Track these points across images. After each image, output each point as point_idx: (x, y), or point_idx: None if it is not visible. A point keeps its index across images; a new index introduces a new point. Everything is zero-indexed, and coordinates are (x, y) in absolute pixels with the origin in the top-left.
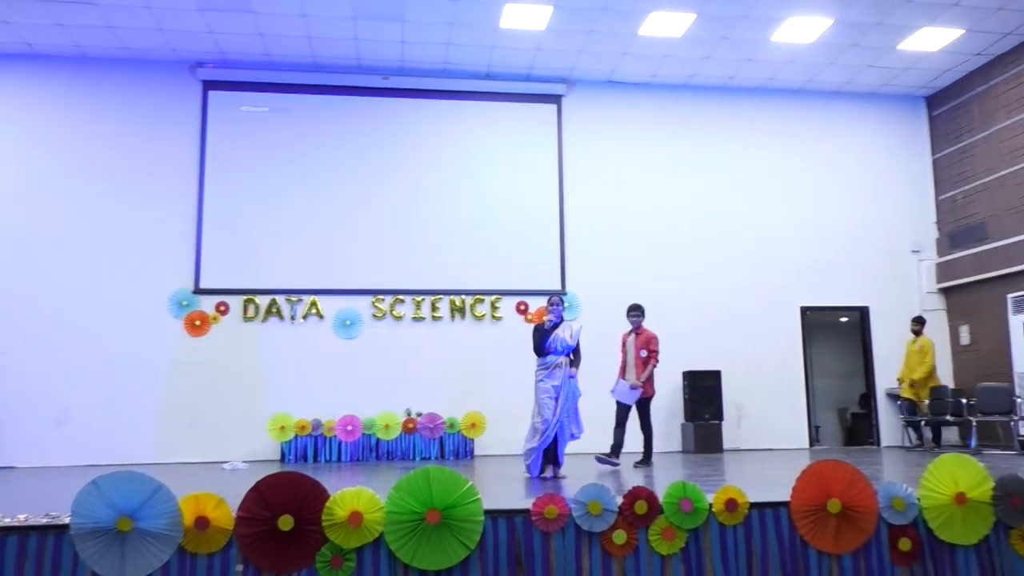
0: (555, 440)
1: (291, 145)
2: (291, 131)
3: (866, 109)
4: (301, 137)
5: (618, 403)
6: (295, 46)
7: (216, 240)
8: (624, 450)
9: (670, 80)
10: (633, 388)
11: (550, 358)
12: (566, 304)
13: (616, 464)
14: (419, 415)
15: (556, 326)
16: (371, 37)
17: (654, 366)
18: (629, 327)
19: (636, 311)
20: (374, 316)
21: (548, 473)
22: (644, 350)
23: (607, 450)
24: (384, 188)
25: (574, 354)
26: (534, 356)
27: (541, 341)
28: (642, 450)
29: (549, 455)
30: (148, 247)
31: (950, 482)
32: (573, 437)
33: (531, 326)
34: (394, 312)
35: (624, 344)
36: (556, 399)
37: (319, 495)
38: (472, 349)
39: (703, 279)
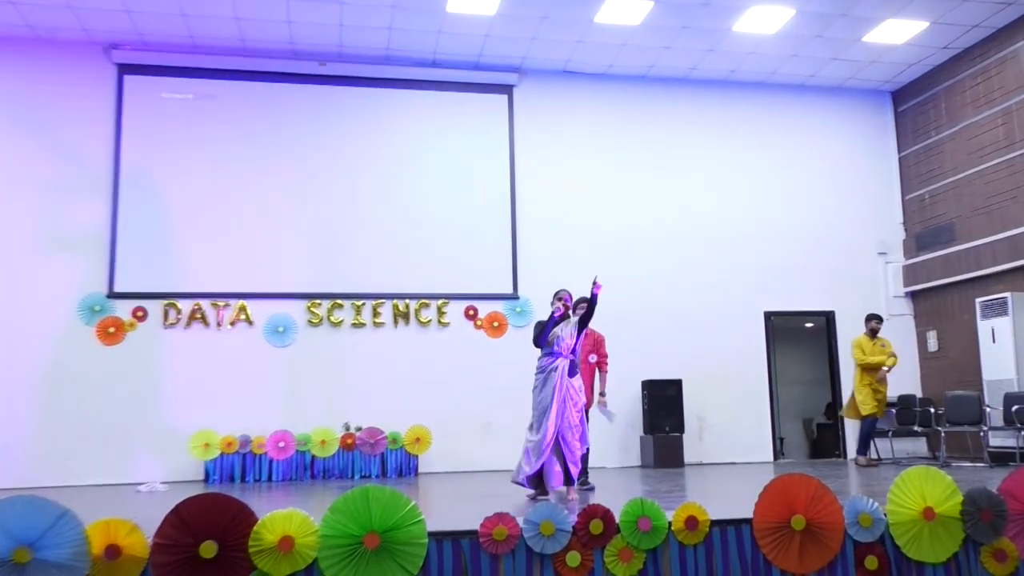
0: (562, 456)
1: (217, 136)
2: (217, 121)
3: (831, 104)
4: (228, 127)
5: None
6: (222, 27)
7: (133, 239)
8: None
9: (628, 71)
10: (604, 407)
11: (547, 361)
12: (564, 305)
13: (590, 488)
14: (358, 430)
15: (558, 321)
16: (306, 19)
17: (606, 372)
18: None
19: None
20: (310, 322)
21: (572, 495)
22: (594, 354)
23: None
24: (321, 183)
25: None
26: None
27: (540, 335)
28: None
29: (544, 477)
30: (57, 246)
31: (918, 496)
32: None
33: (480, 333)
34: (332, 318)
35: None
36: (551, 408)
37: (246, 519)
38: (417, 358)
39: (663, 282)
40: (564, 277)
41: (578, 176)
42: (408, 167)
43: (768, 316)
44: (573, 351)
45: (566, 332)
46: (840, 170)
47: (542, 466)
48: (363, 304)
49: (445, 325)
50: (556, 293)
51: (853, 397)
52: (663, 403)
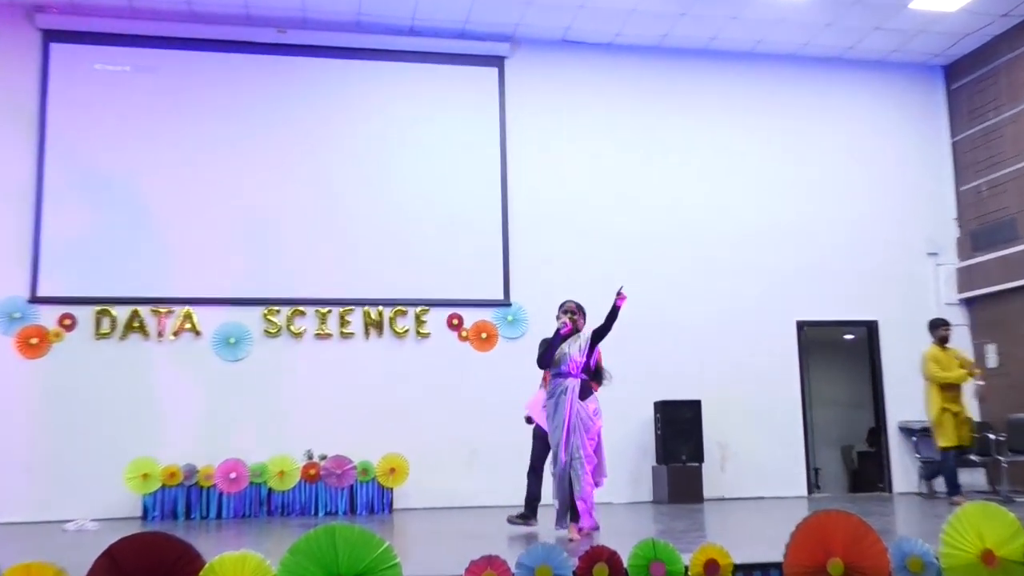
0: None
1: (159, 115)
2: (159, 96)
3: (872, 80)
4: (172, 105)
5: (536, 432)
6: None
7: (60, 235)
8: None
9: (638, 41)
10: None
11: (555, 383)
12: (570, 317)
13: (532, 524)
14: (323, 458)
15: (565, 337)
16: None
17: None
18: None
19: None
20: (266, 332)
21: (573, 534)
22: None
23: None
24: (280, 170)
25: (594, 372)
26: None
27: (544, 354)
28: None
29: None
30: None
31: (975, 537)
32: (595, 485)
33: (465, 345)
34: (292, 327)
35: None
36: (565, 435)
37: (191, 562)
38: (392, 374)
39: (678, 287)
40: (563, 281)
41: (580, 164)
42: (382, 152)
43: (801, 327)
44: (584, 369)
45: (575, 349)
46: (884, 157)
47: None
48: (329, 311)
49: (425, 336)
50: (562, 306)
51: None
52: (679, 428)
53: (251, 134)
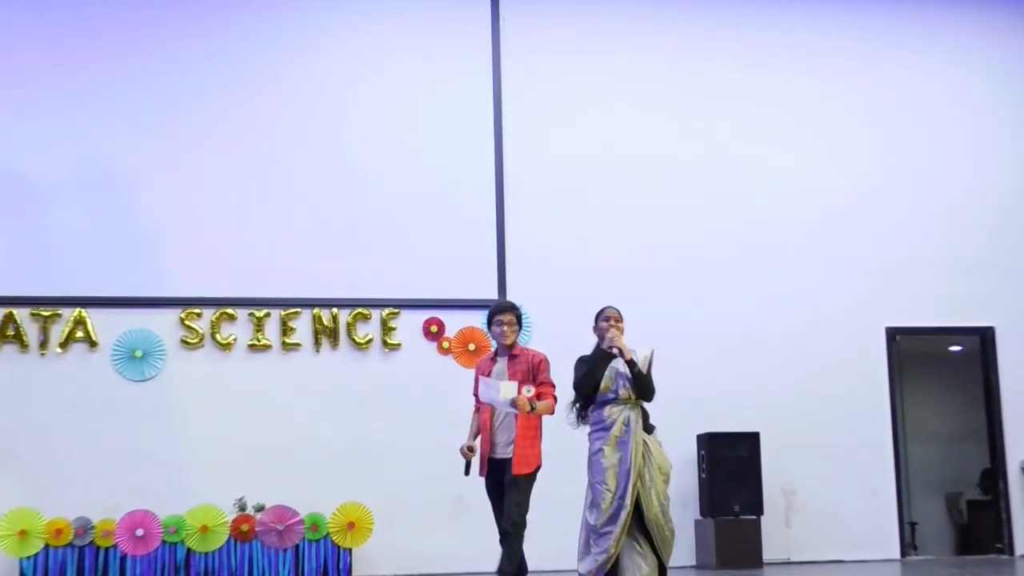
0: (649, 541)
1: (46, 59)
2: (48, 37)
3: (982, 14)
4: (64, 47)
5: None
6: None
7: None
8: None
9: None
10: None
11: (607, 411)
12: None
13: None
14: (260, 510)
15: (608, 356)
16: None
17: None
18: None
19: (506, 314)
20: (184, 342)
21: None
22: (529, 387)
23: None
24: (203, 129)
25: (637, 390)
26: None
27: (584, 377)
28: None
29: None
30: None
31: None
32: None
33: (447, 359)
34: (218, 335)
35: (478, 382)
36: (624, 484)
37: None
38: (350, 398)
39: (729, 286)
40: (576, 274)
41: (596, 121)
42: (339, 107)
43: (892, 336)
44: (638, 394)
45: (623, 366)
46: (998, 113)
47: (616, 560)
48: (267, 314)
49: (394, 347)
50: (600, 313)
51: None
52: (731, 469)
53: (164, 86)
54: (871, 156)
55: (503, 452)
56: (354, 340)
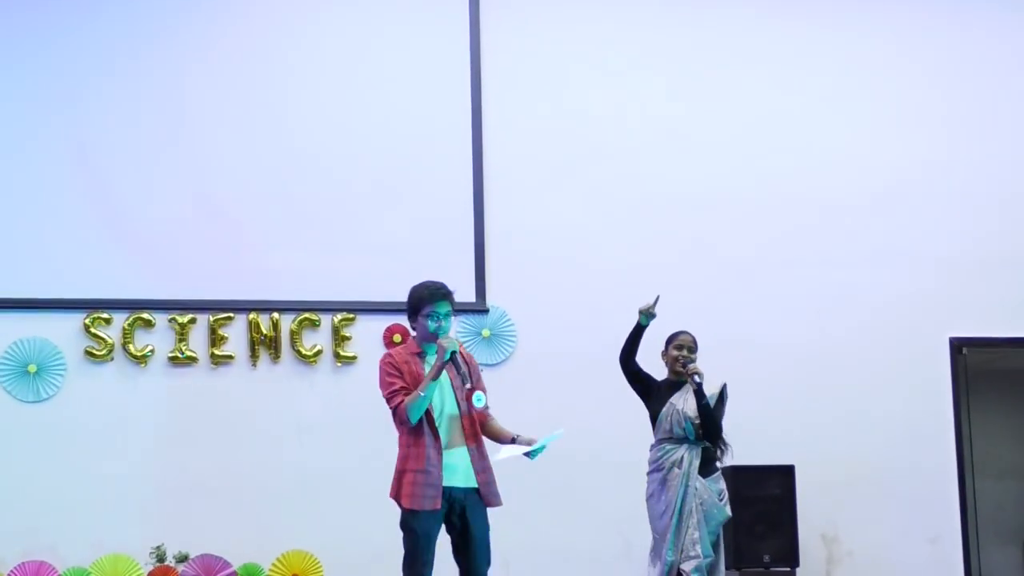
0: None
1: None
2: None
3: None
4: None
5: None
6: None
7: None
8: None
9: None
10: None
11: (667, 448)
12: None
13: None
14: (183, 560)
15: (678, 385)
16: None
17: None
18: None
19: (447, 303)
20: (89, 354)
21: None
22: (479, 393)
23: None
24: (118, 102)
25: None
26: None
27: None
28: None
29: None
30: None
31: None
32: None
33: None
34: (132, 347)
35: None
36: (673, 530)
37: None
38: (295, 422)
39: (749, 284)
40: (571, 275)
41: (591, 94)
42: (282, 76)
43: (956, 348)
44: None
45: (688, 404)
46: None
47: None
48: (191, 320)
49: (349, 361)
50: (673, 339)
51: None
52: (760, 511)
53: (70, 52)
54: (936, 125)
55: (463, 478)
56: (299, 352)
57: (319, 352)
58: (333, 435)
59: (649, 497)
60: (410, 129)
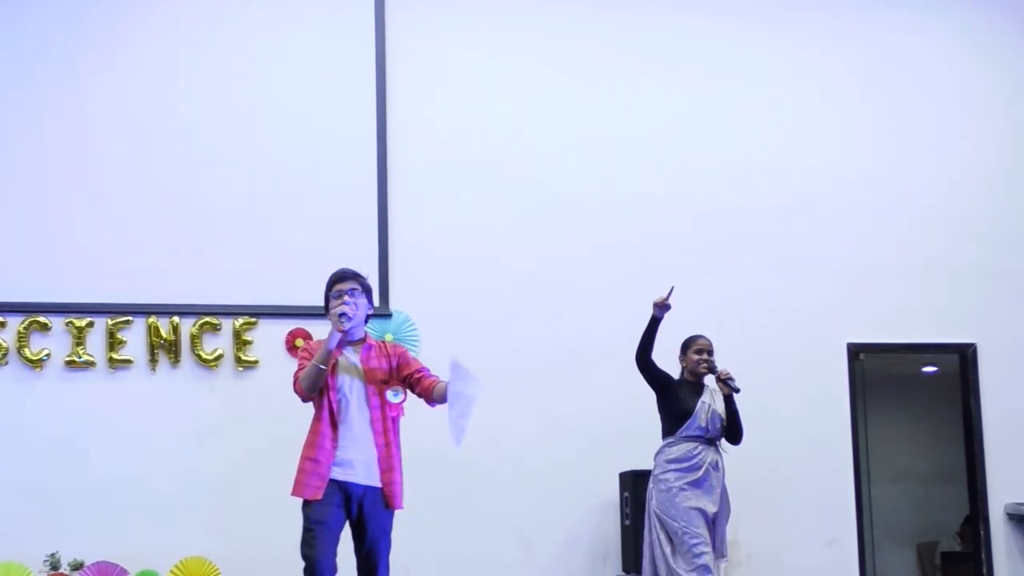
0: None
1: None
2: None
3: None
4: None
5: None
6: None
7: None
8: None
9: None
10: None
11: (693, 448)
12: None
13: None
14: (78, 567)
15: (698, 385)
16: None
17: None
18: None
19: (350, 281)
20: None
21: None
22: (398, 388)
23: None
24: (12, 105)
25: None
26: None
27: (639, 346)
28: None
29: None
30: None
31: None
32: None
33: None
34: (27, 350)
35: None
36: (711, 532)
37: None
38: (195, 428)
39: (655, 290)
40: (478, 278)
41: (500, 94)
42: (189, 78)
43: (854, 353)
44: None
45: (718, 403)
46: (983, 90)
47: None
48: (89, 324)
49: (250, 365)
50: (692, 342)
51: None
52: None
53: None
54: (838, 137)
55: (364, 475)
56: (199, 356)
57: (220, 356)
58: (233, 440)
59: (678, 492)
60: (314, 132)
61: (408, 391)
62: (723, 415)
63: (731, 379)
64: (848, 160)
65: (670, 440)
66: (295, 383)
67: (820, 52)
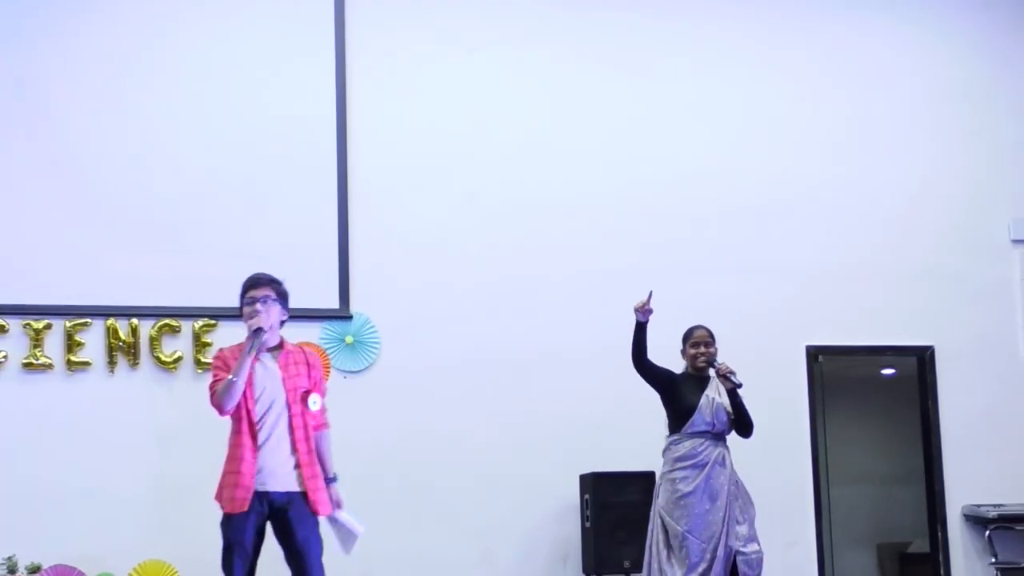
0: None
1: None
2: None
3: None
4: None
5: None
6: None
7: None
8: None
9: None
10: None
11: (699, 444)
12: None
13: None
14: (35, 571)
15: (701, 380)
16: None
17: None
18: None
19: (264, 287)
20: None
21: None
22: (316, 396)
23: None
24: None
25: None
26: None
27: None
28: None
29: None
30: None
31: None
32: None
33: None
34: None
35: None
36: (718, 534)
37: None
38: (154, 431)
39: (615, 293)
40: (439, 280)
41: (461, 98)
42: (149, 78)
43: (812, 356)
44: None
45: (723, 396)
46: (941, 94)
47: None
48: (47, 326)
49: (209, 367)
50: (689, 335)
51: None
52: (620, 517)
53: None
54: (797, 141)
55: (286, 483)
56: (159, 358)
57: (179, 358)
58: (192, 442)
59: (685, 495)
60: (274, 133)
61: None
62: (729, 409)
63: (731, 373)
64: (807, 165)
65: (675, 437)
66: (212, 396)
67: (783, 59)
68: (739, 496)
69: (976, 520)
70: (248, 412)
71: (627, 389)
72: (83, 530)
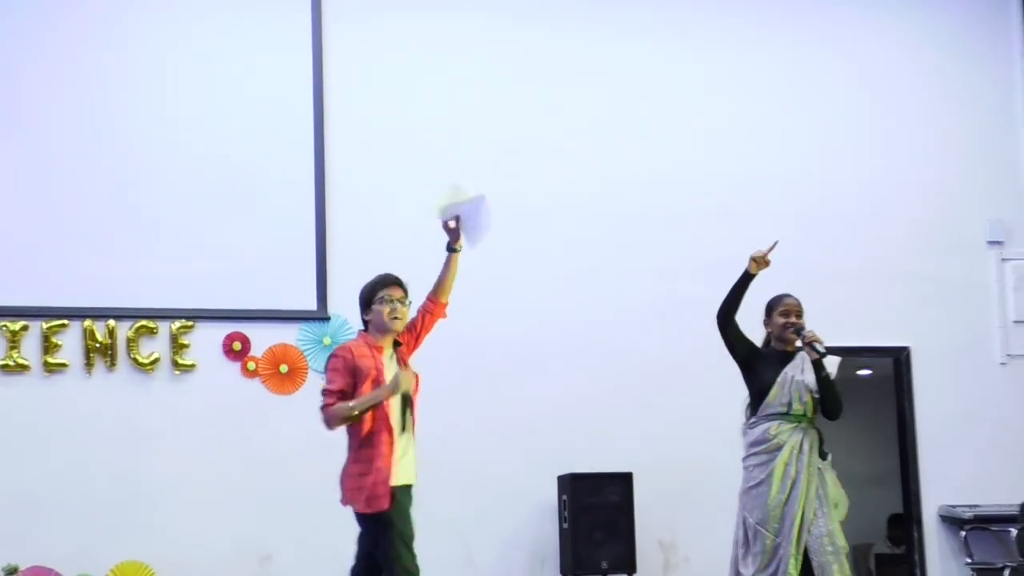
0: None
1: None
2: None
3: None
4: None
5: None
6: None
7: None
8: None
9: None
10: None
11: (775, 429)
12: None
13: None
14: (12, 572)
15: (786, 355)
16: None
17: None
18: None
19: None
20: None
21: None
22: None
23: None
24: None
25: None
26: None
27: (724, 303)
28: None
29: None
30: None
31: None
32: None
33: (254, 383)
34: None
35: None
36: (792, 524)
37: None
38: (131, 432)
39: (590, 292)
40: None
41: (438, 103)
42: (126, 79)
43: None
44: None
45: (807, 374)
46: (921, 94)
47: None
48: (24, 327)
49: (187, 369)
50: (777, 302)
51: None
52: (598, 518)
53: None
54: (770, 140)
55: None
56: (136, 360)
57: (156, 360)
58: (170, 444)
59: (757, 484)
60: (251, 134)
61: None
62: (813, 387)
63: (817, 341)
64: (780, 164)
65: (752, 420)
66: (329, 414)
67: (751, 57)
68: (821, 488)
69: (952, 521)
70: (386, 410)
71: (605, 390)
72: (61, 531)
